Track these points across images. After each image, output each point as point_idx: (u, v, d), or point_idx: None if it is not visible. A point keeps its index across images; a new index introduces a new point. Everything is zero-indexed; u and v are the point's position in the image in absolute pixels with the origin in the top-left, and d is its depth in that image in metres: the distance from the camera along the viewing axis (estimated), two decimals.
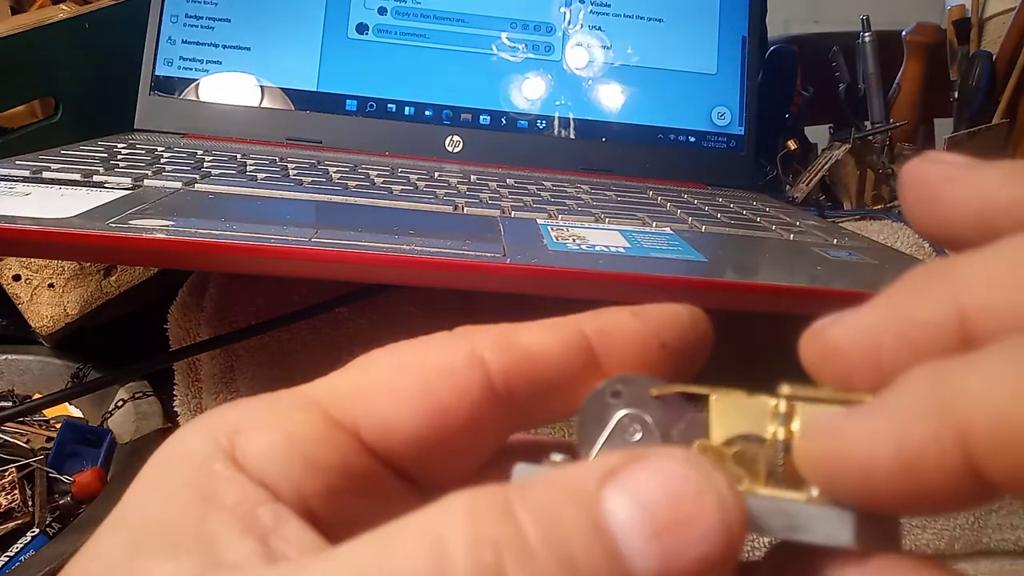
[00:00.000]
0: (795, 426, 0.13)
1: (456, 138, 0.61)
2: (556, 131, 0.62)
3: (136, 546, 0.12)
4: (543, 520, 0.11)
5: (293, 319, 0.44)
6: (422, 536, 0.11)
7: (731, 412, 0.13)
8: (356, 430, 0.14)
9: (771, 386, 0.13)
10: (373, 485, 0.14)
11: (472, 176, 0.54)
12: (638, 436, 0.14)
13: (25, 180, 0.39)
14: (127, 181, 0.40)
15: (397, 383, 0.14)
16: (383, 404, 0.14)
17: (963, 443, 0.10)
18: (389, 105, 0.60)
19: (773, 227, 0.46)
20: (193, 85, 0.59)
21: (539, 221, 0.42)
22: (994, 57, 0.72)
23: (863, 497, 0.11)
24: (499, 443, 0.15)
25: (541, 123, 0.61)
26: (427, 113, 0.61)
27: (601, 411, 0.14)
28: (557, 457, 0.14)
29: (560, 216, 0.43)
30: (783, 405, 0.13)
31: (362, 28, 0.61)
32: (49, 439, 0.50)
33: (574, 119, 0.62)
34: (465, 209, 0.43)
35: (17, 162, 0.42)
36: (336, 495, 0.13)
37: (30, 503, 0.45)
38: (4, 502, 0.44)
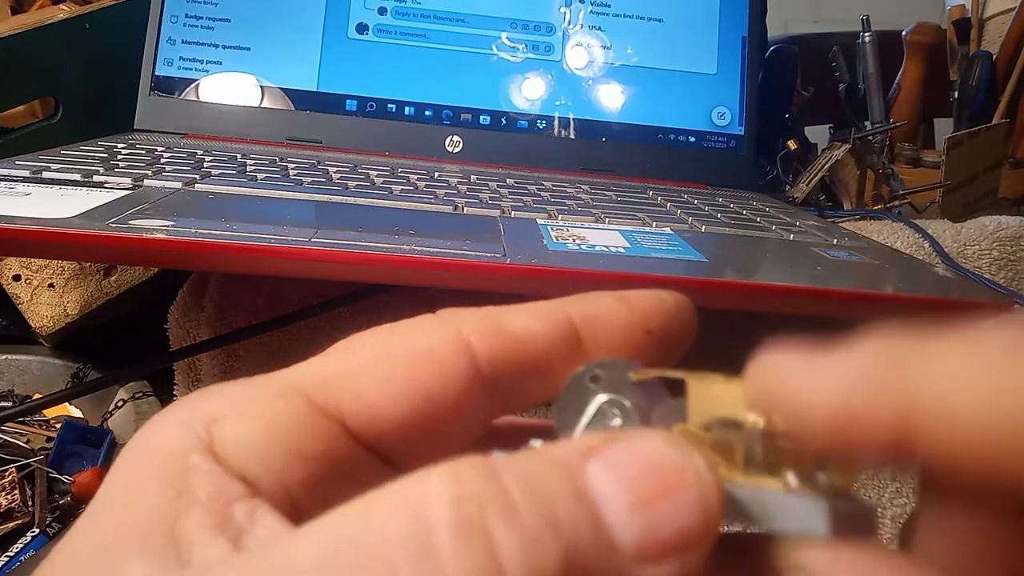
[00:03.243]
0: (774, 414, 0.13)
1: (456, 138, 0.61)
2: (556, 131, 0.62)
3: (108, 545, 0.12)
4: (527, 483, 0.11)
5: (293, 319, 0.44)
6: (401, 501, 0.11)
7: (709, 397, 0.13)
8: (340, 416, 0.14)
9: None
10: (358, 472, 0.14)
11: (472, 176, 0.54)
12: (617, 421, 0.14)
13: (25, 180, 0.39)
14: (127, 181, 0.40)
15: (383, 368, 0.14)
16: (369, 390, 0.14)
17: (898, 418, 0.11)
18: (389, 105, 0.60)
19: (773, 227, 0.46)
20: (193, 85, 0.59)
21: (539, 221, 0.42)
22: (994, 57, 0.72)
23: (791, 430, 0.12)
24: (483, 427, 0.15)
25: (541, 123, 0.61)
26: (427, 113, 0.61)
27: (580, 396, 0.14)
28: (536, 443, 0.14)
29: (560, 216, 0.43)
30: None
31: (362, 28, 0.61)
32: (49, 439, 0.50)
33: (574, 119, 0.62)
34: (465, 209, 0.43)
35: (17, 162, 0.42)
36: (320, 484, 0.13)
37: (30, 503, 0.45)
38: (4, 502, 0.44)
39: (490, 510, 0.10)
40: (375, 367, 0.14)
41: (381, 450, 0.14)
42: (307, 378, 0.14)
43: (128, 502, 0.12)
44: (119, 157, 0.47)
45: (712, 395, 0.13)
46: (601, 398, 0.14)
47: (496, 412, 0.15)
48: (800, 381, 0.12)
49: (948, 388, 0.10)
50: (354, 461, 0.14)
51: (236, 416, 0.13)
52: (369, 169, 0.52)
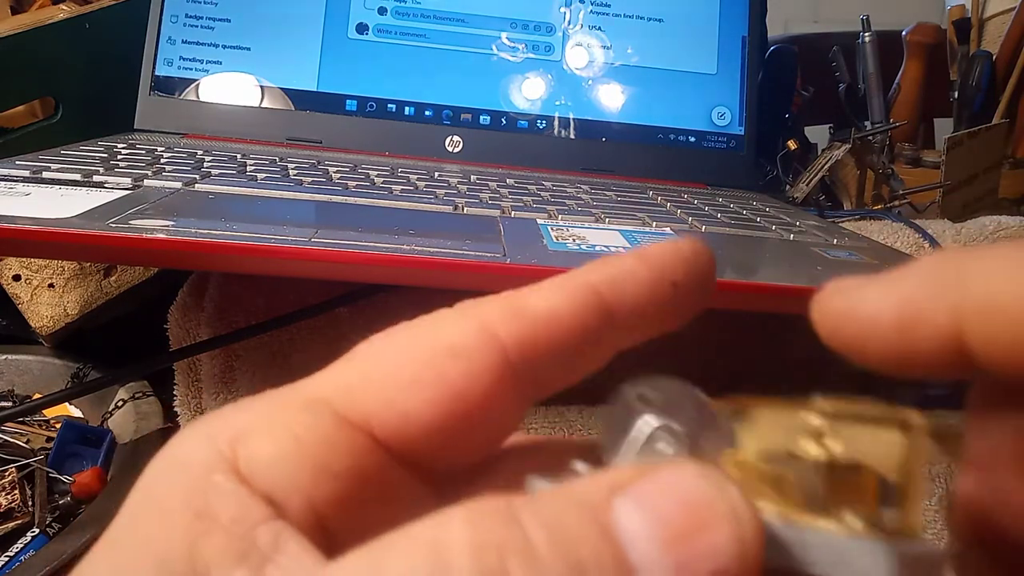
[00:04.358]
0: (833, 445, 0.12)
1: (456, 138, 0.61)
2: (556, 131, 0.62)
3: (124, 568, 0.11)
4: (550, 526, 0.10)
5: (293, 319, 0.44)
6: (420, 544, 0.10)
7: (765, 425, 0.13)
8: (369, 426, 0.13)
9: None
10: (388, 486, 0.13)
11: (472, 176, 0.54)
12: (664, 445, 0.13)
13: (25, 180, 0.39)
14: (127, 181, 0.40)
15: (408, 371, 0.13)
16: (395, 395, 0.13)
17: (955, 315, 0.12)
18: (389, 105, 0.60)
19: (773, 227, 0.46)
20: (193, 85, 0.59)
21: (539, 221, 0.42)
22: (994, 57, 0.72)
23: (859, 350, 0.13)
24: (519, 417, 0.14)
25: (541, 123, 0.61)
26: (427, 113, 0.61)
27: (627, 417, 0.14)
28: (580, 467, 0.13)
29: (560, 216, 0.43)
30: (821, 421, 0.12)
31: (362, 28, 0.61)
32: (49, 439, 0.50)
33: (574, 119, 0.62)
34: (465, 209, 0.43)
35: (17, 162, 0.42)
36: (349, 500, 0.13)
37: (30, 503, 0.45)
38: (4, 502, 0.44)
39: (511, 558, 0.10)
40: (399, 370, 0.13)
41: (412, 456, 0.13)
42: (332, 388, 0.13)
43: (148, 522, 0.12)
44: (119, 157, 0.47)
45: (769, 421, 0.13)
46: (648, 420, 0.13)
47: (529, 398, 0.14)
48: (865, 296, 0.13)
49: (996, 287, 0.11)
50: (383, 474, 0.13)
51: (260, 432, 0.13)
52: (369, 169, 0.52)
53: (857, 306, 0.13)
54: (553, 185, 0.54)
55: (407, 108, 0.60)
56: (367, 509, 0.13)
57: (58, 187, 0.38)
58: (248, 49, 0.60)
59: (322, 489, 0.12)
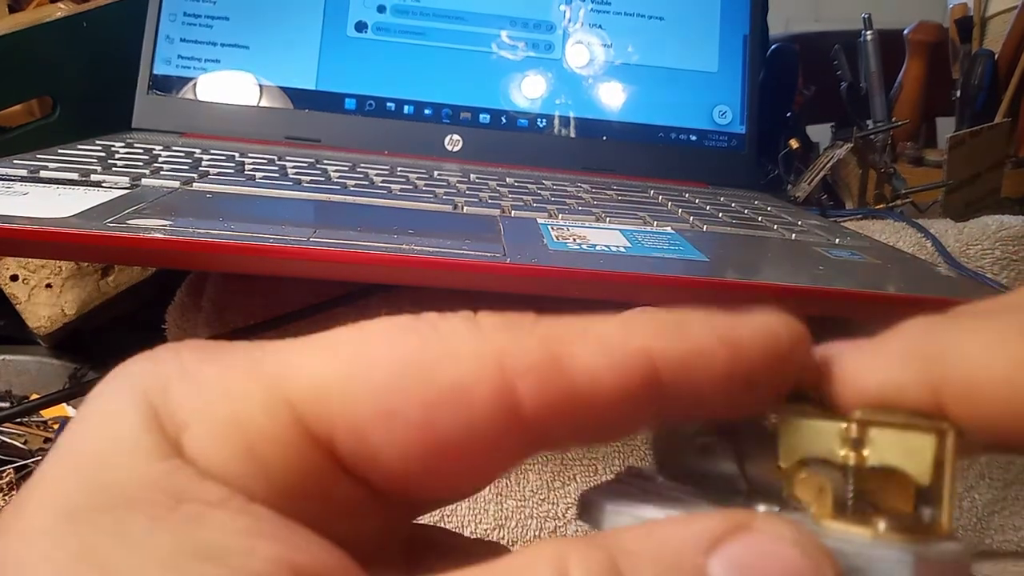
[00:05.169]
0: (867, 452, 0.12)
1: (456, 137, 0.60)
2: (556, 130, 0.61)
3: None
4: None
5: (292, 319, 0.44)
6: None
7: (799, 433, 0.13)
8: (331, 444, 0.11)
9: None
10: (345, 503, 0.12)
11: (472, 175, 0.54)
12: (712, 456, 0.14)
13: (23, 179, 0.38)
14: (125, 180, 0.40)
15: (394, 400, 0.11)
16: (371, 428, 0.11)
17: (936, 391, 0.12)
18: (388, 104, 0.60)
19: (775, 226, 0.46)
20: (191, 84, 0.59)
21: (539, 220, 0.41)
22: (996, 56, 0.71)
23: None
24: (518, 462, 0.13)
25: (541, 122, 0.61)
26: (426, 112, 0.60)
27: (672, 427, 0.14)
28: (634, 486, 0.14)
29: (560, 215, 0.43)
30: (855, 429, 0.12)
31: (361, 26, 0.60)
32: (47, 440, 0.49)
33: (574, 118, 0.61)
34: (465, 208, 0.43)
35: (14, 161, 0.41)
36: (300, 513, 0.11)
37: None
38: (1, 503, 0.44)
39: None
40: (385, 395, 0.11)
41: (374, 483, 0.12)
42: (300, 385, 0.12)
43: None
44: (117, 156, 0.47)
45: (805, 429, 0.13)
46: (696, 430, 0.14)
47: (537, 449, 0.12)
48: (850, 366, 0.13)
49: (975, 367, 0.12)
50: (337, 491, 0.12)
51: (209, 425, 0.11)
52: (368, 168, 0.52)
53: (841, 377, 0.13)
54: (553, 184, 0.54)
55: (406, 107, 0.60)
56: (318, 521, 0.12)
57: (55, 186, 0.38)
58: (247, 48, 0.59)
59: (271, 502, 0.11)
